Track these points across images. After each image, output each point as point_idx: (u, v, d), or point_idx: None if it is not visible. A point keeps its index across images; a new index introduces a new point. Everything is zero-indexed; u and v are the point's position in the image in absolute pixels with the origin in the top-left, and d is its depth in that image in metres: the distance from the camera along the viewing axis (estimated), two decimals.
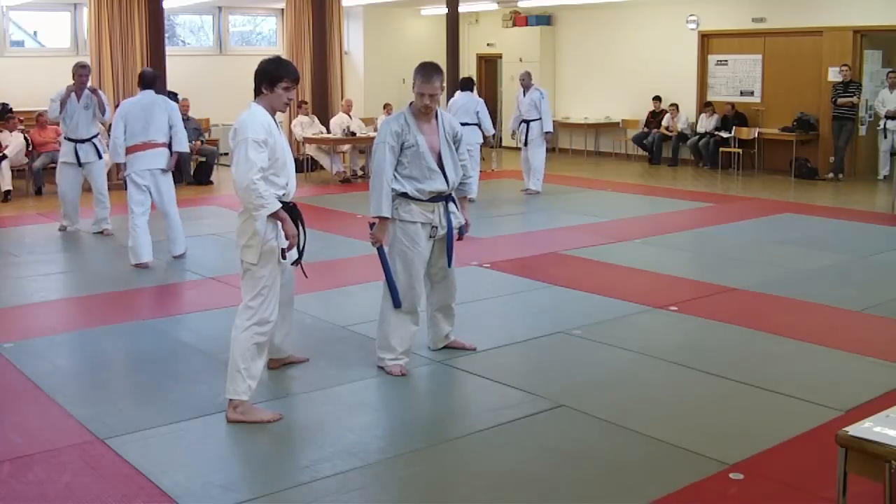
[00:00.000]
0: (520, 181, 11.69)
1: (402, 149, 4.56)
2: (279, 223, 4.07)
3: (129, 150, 7.24)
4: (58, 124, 9.02)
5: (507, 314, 5.95)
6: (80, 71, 8.21)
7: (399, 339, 4.69)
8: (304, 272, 4.51)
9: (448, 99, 14.00)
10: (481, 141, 10.82)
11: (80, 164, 8.39)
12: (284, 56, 14.48)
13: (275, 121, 4.12)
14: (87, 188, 8.78)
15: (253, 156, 3.92)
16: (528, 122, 11.26)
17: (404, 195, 4.58)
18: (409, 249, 4.64)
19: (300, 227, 4.30)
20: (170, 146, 7.36)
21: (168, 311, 6.07)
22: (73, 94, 8.22)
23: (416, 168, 4.57)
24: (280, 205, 4.01)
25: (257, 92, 4.11)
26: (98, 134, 8.50)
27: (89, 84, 8.35)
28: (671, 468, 3.59)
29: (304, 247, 4.35)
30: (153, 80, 7.53)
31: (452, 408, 4.49)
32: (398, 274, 4.66)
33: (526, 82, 11.28)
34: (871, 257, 7.59)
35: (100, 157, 8.42)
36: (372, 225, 4.60)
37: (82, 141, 8.30)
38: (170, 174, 7.43)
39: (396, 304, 4.66)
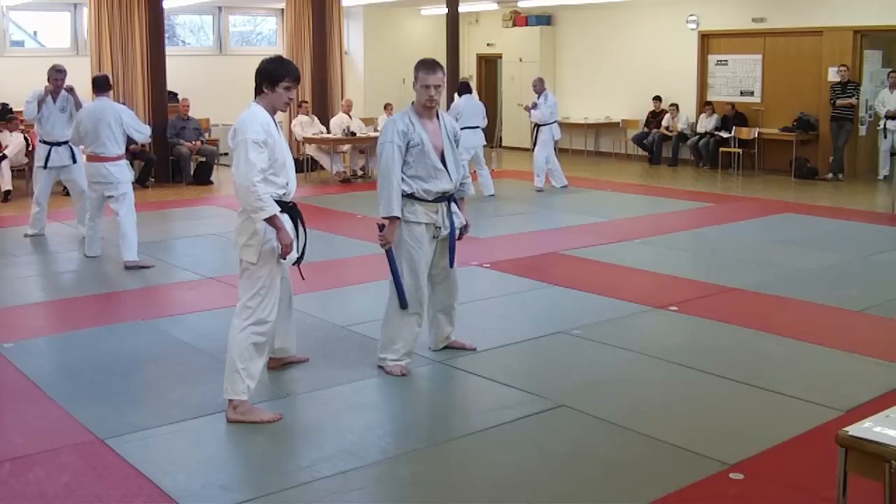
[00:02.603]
0: (520, 181, 11.72)
1: (407, 148, 4.55)
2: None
3: (87, 159, 7.43)
4: (33, 126, 9.03)
5: (507, 314, 5.95)
6: (56, 75, 8.11)
7: (403, 341, 4.69)
8: (301, 274, 4.51)
9: (448, 100, 14.08)
10: (485, 143, 11.06)
11: (45, 167, 8.22)
12: (284, 56, 14.53)
13: (274, 121, 4.12)
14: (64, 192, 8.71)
15: (253, 157, 3.92)
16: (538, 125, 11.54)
17: (410, 196, 4.57)
18: (414, 250, 4.63)
19: (301, 228, 4.30)
20: (128, 150, 7.40)
21: (168, 311, 6.07)
22: (49, 97, 8.14)
23: (421, 167, 4.56)
24: (278, 209, 4.00)
25: (258, 91, 4.10)
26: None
27: (67, 86, 8.22)
28: (671, 468, 3.59)
29: (304, 247, 4.35)
30: (104, 85, 7.51)
31: (453, 408, 4.49)
32: (405, 275, 4.65)
33: (539, 88, 11.44)
34: (871, 257, 7.59)
35: (74, 160, 8.23)
36: (381, 226, 4.58)
37: (58, 144, 8.18)
38: (128, 184, 7.38)
39: (403, 305, 4.65)
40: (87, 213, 7.63)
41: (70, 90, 8.18)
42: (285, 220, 4.15)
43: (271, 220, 3.98)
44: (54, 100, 8.14)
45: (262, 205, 3.92)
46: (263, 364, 4.23)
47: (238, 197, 4.01)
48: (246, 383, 4.06)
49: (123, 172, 7.40)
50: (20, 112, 11.88)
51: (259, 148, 3.95)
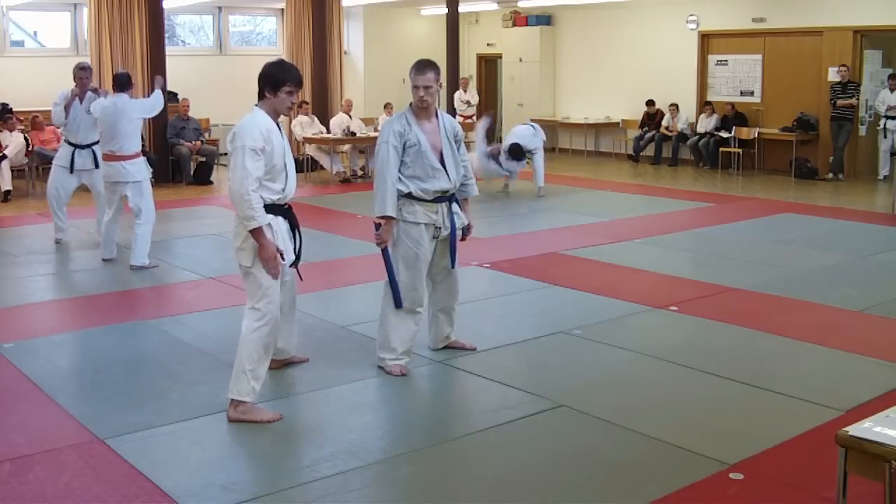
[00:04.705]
0: (519, 181, 11.70)
1: (404, 148, 4.56)
2: (272, 226, 4.04)
3: (103, 158, 7.40)
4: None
5: (507, 314, 5.95)
6: (81, 73, 7.88)
7: (399, 340, 4.69)
8: (299, 275, 4.51)
9: (448, 97, 14.11)
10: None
11: (72, 171, 8.04)
12: (285, 56, 14.53)
13: (278, 125, 4.10)
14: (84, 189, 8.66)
15: (249, 164, 3.91)
16: None
17: (409, 196, 4.59)
18: (412, 250, 4.64)
19: (295, 232, 4.28)
20: (144, 152, 7.36)
21: (168, 311, 6.07)
22: (76, 98, 7.90)
23: (419, 167, 4.58)
24: (268, 222, 3.98)
25: (260, 96, 4.09)
26: (98, 141, 8.00)
27: (91, 85, 8.06)
28: (671, 468, 3.59)
29: (300, 249, 4.34)
30: (125, 83, 7.43)
31: (452, 408, 4.49)
32: (401, 274, 4.66)
33: None
34: (871, 257, 7.59)
35: (97, 165, 7.96)
36: (377, 225, 4.59)
37: (82, 147, 7.99)
38: (146, 184, 7.33)
39: (398, 304, 4.66)
40: (104, 214, 7.58)
41: (95, 90, 8.02)
42: (279, 222, 4.13)
43: (257, 233, 3.96)
44: (80, 101, 7.90)
45: (253, 214, 3.92)
46: (266, 367, 4.21)
47: (232, 202, 4.02)
48: (251, 384, 4.05)
49: (141, 171, 7.33)
50: (20, 112, 11.96)
51: (256, 156, 3.93)
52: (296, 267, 4.41)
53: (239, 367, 4.06)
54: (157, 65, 12.54)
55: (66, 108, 7.87)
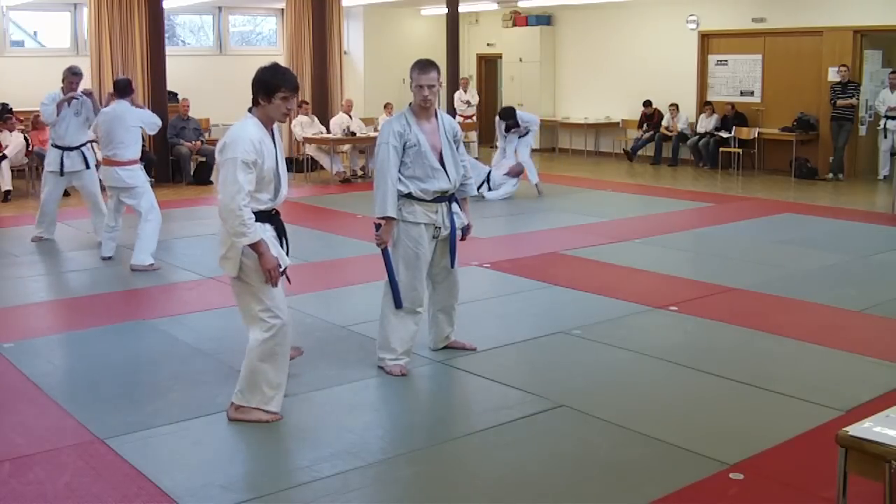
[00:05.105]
0: (523, 182, 11.71)
1: (404, 148, 4.57)
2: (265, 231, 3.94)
3: (102, 162, 7.52)
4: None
5: (507, 314, 5.95)
6: (72, 77, 7.91)
7: (399, 340, 4.70)
8: (287, 279, 4.48)
9: (448, 97, 14.11)
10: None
11: (62, 174, 8.07)
12: (285, 56, 14.52)
13: (272, 132, 3.96)
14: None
15: (241, 178, 3.75)
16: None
17: (408, 196, 4.59)
18: (412, 250, 4.64)
19: (282, 239, 4.14)
20: (142, 157, 7.44)
21: (168, 311, 6.07)
22: (65, 102, 7.92)
23: (418, 167, 4.58)
24: (259, 238, 3.83)
25: (254, 102, 3.92)
26: (88, 142, 8.15)
27: (86, 89, 8.09)
28: (671, 468, 3.59)
29: (286, 253, 4.27)
30: (125, 89, 7.47)
31: (453, 408, 4.49)
32: (401, 274, 4.66)
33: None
34: (871, 257, 7.59)
35: (87, 166, 8.05)
36: (377, 226, 4.60)
37: (70, 149, 7.99)
38: (143, 187, 7.37)
39: (398, 304, 4.66)
40: (98, 213, 7.65)
41: (89, 94, 8.03)
42: (266, 228, 3.96)
43: (255, 245, 3.82)
44: (69, 103, 7.91)
45: (245, 230, 3.77)
46: (286, 373, 4.12)
47: (221, 216, 3.85)
48: (265, 392, 4.00)
49: (133, 177, 7.33)
50: (20, 112, 11.95)
51: (248, 169, 3.78)
52: (285, 272, 4.36)
53: (248, 376, 3.98)
54: (156, 65, 12.55)
55: (59, 105, 7.89)
